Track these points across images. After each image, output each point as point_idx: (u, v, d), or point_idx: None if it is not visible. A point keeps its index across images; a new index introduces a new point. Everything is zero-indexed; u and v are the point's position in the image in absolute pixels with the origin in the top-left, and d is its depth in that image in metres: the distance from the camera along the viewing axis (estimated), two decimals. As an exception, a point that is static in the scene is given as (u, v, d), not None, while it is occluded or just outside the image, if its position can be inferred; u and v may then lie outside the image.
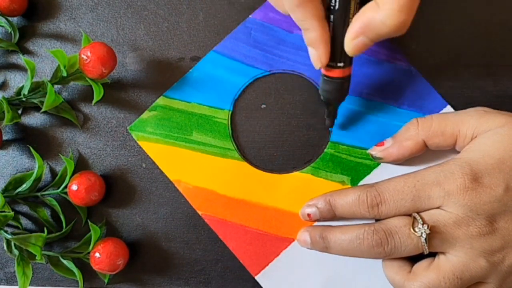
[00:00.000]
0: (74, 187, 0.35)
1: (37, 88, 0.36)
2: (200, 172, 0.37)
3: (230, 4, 0.38)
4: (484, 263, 0.31)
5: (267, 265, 0.36)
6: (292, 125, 0.37)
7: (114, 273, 0.36)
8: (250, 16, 0.37)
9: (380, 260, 0.35)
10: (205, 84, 0.37)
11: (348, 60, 0.32)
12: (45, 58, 0.38)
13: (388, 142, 0.35)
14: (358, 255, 0.33)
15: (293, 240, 0.36)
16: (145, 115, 0.37)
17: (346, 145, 0.37)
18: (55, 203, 0.37)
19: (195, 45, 0.38)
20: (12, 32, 0.38)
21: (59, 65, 0.35)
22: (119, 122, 0.38)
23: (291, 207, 0.36)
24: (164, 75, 0.38)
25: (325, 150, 0.37)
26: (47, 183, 0.38)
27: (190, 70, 0.37)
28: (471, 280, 0.31)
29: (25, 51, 0.38)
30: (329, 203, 0.35)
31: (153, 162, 0.37)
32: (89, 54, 0.34)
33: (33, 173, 0.36)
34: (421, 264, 0.33)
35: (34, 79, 0.36)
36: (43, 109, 0.34)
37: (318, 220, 0.36)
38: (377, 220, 0.34)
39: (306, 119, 0.37)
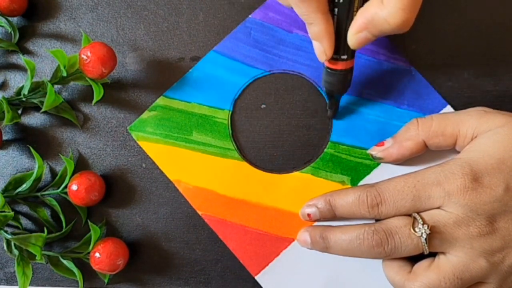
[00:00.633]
0: (74, 187, 0.35)
1: (37, 88, 0.36)
2: (200, 172, 0.37)
3: (230, 4, 0.38)
4: (484, 263, 0.31)
5: (267, 265, 0.36)
6: (292, 125, 0.37)
7: (114, 273, 0.36)
8: (250, 16, 0.37)
9: (380, 260, 0.35)
10: (205, 84, 0.37)
11: (351, 53, 0.32)
12: (45, 58, 0.38)
13: (388, 142, 0.35)
14: (358, 255, 0.33)
15: (293, 240, 0.36)
16: (145, 115, 0.37)
17: (346, 145, 0.37)
18: (55, 203, 0.37)
19: (195, 45, 0.38)
20: (12, 32, 0.38)
21: (59, 65, 0.35)
22: (119, 122, 0.38)
23: (291, 207, 0.36)
24: (164, 75, 0.38)
25: (325, 150, 0.37)
26: (47, 183, 0.38)
27: (190, 70, 0.37)
28: (471, 280, 0.31)
29: (25, 51, 0.38)
30: (329, 203, 0.35)
31: (153, 162, 0.37)
32: (89, 54, 0.34)
33: (33, 173, 0.36)
34: (421, 264, 0.33)
35: (34, 79, 0.36)
36: (43, 109, 0.34)
37: (318, 220, 0.36)
38: (377, 220, 0.34)
39: (306, 119, 0.37)
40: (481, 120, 0.32)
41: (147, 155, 0.37)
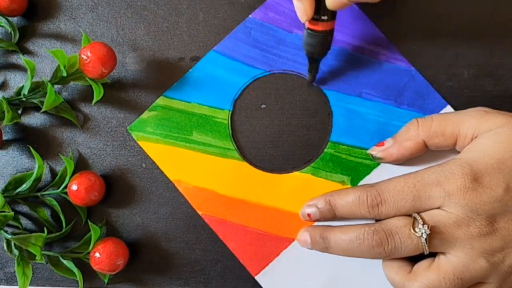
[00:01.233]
0: (74, 187, 0.35)
1: (37, 88, 0.36)
2: (200, 172, 0.37)
3: (230, 4, 0.38)
4: (484, 264, 0.31)
5: (267, 265, 0.36)
6: (292, 125, 0.37)
7: (114, 273, 0.36)
8: (250, 16, 0.37)
9: (380, 260, 0.35)
10: (205, 84, 0.37)
11: (331, 14, 0.32)
12: (45, 58, 0.38)
13: (388, 142, 0.35)
14: (358, 255, 0.33)
15: (293, 240, 0.36)
16: (145, 115, 0.37)
17: (346, 145, 0.37)
18: (55, 203, 0.37)
19: (195, 45, 0.38)
20: (12, 32, 0.38)
21: (59, 65, 0.35)
22: (119, 122, 0.38)
23: (291, 207, 0.36)
24: (164, 75, 0.38)
25: (325, 150, 0.37)
26: (47, 183, 0.38)
27: (190, 70, 0.37)
28: (472, 280, 0.31)
29: (25, 51, 0.38)
30: (329, 203, 0.35)
31: (153, 162, 0.37)
32: (89, 54, 0.34)
33: (33, 173, 0.36)
34: (422, 264, 0.33)
35: (34, 79, 0.36)
36: (43, 109, 0.34)
37: (318, 220, 0.36)
38: (377, 220, 0.34)
39: (306, 119, 0.37)
40: (481, 120, 0.32)
41: (147, 155, 0.37)
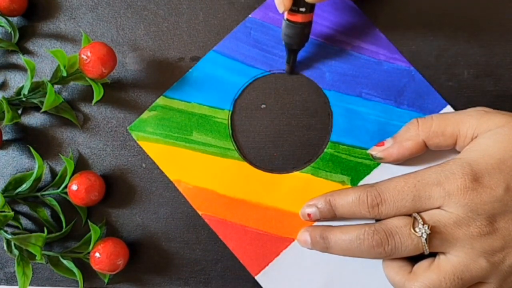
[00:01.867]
0: (74, 187, 0.35)
1: (37, 88, 0.36)
2: (200, 172, 0.37)
3: (230, 4, 0.38)
4: (484, 263, 0.31)
5: (267, 265, 0.36)
6: (292, 125, 0.37)
7: (114, 273, 0.36)
8: (250, 15, 0.37)
9: (380, 260, 0.35)
10: (205, 84, 0.37)
11: (310, 7, 0.33)
12: (45, 58, 0.38)
13: (388, 142, 0.35)
14: (358, 255, 0.33)
15: (293, 240, 0.36)
16: (145, 115, 0.37)
17: (346, 145, 0.37)
18: (55, 203, 0.37)
19: (195, 45, 0.38)
20: (12, 32, 0.38)
21: (59, 65, 0.35)
22: (119, 122, 0.38)
23: (291, 207, 0.36)
24: (164, 75, 0.38)
25: (325, 150, 0.37)
26: (47, 183, 0.38)
27: (190, 70, 0.37)
28: (472, 280, 0.31)
29: (25, 51, 0.38)
30: (329, 203, 0.35)
31: (153, 162, 0.37)
32: (89, 54, 0.34)
33: (33, 173, 0.36)
34: (422, 264, 0.33)
35: (34, 79, 0.36)
36: (43, 109, 0.34)
37: (318, 220, 0.36)
38: (377, 220, 0.34)
39: (306, 119, 0.37)
40: (481, 120, 0.32)
41: (147, 155, 0.37)
